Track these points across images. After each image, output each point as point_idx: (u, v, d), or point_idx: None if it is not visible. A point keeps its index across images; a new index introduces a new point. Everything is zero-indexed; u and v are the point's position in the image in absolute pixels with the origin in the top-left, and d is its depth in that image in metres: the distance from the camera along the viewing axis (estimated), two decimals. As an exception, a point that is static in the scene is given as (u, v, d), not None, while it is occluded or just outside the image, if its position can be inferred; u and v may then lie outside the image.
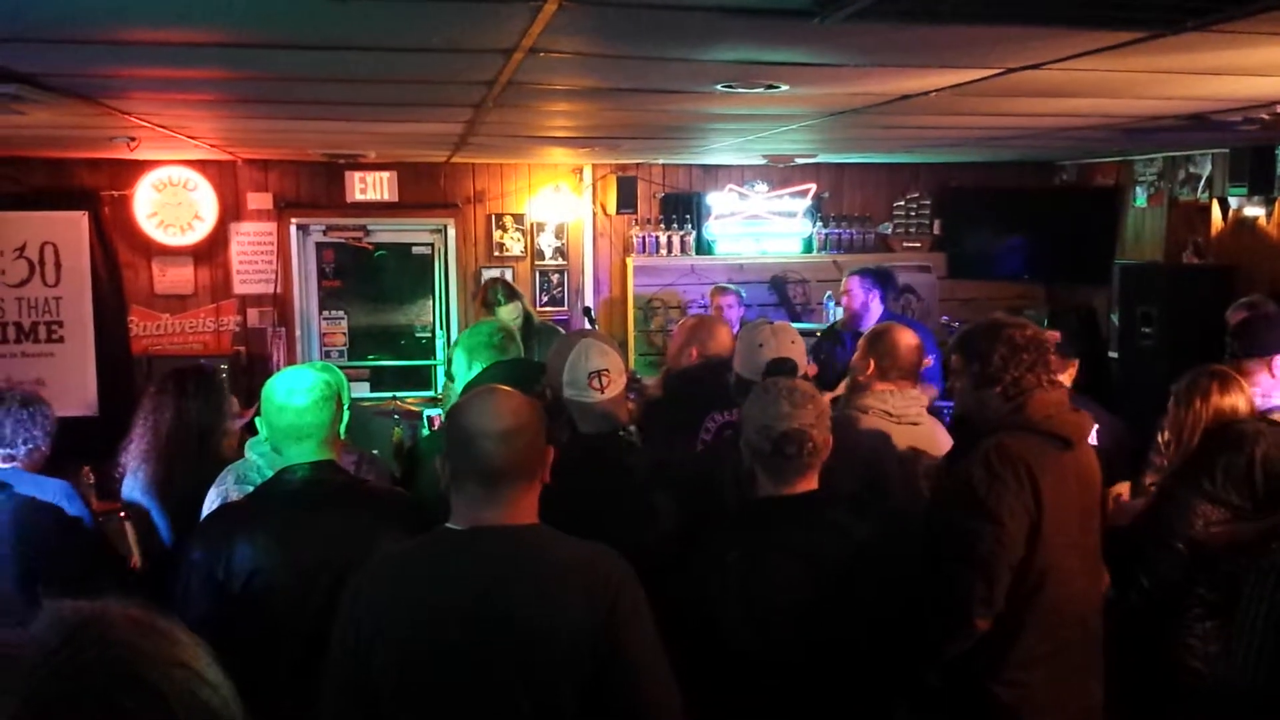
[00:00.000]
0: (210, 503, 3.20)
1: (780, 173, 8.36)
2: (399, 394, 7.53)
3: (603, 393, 2.99)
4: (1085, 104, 4.45)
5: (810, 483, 2.68)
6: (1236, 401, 3.49)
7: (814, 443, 2.63)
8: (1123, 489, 4.06)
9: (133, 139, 5.89)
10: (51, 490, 3.47)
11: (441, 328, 8.39)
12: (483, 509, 2.16)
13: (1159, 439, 3.91)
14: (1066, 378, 4.02)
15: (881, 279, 6.08)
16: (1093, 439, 3.82)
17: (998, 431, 2.94)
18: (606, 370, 3.01)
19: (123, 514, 3.91)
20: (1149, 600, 3.40)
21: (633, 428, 3.19)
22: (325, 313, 8.31)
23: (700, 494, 3.07)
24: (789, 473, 2.65)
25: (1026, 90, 3.94)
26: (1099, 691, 3.09)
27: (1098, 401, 4.09)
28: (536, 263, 8.36)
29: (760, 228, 8.43)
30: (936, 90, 3.94)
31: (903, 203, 8.65)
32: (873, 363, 3.70)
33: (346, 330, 8.35)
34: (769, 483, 2.68)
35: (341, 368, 3.54)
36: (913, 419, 3.64)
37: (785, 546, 2.61)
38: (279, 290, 7.99)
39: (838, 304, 6.71)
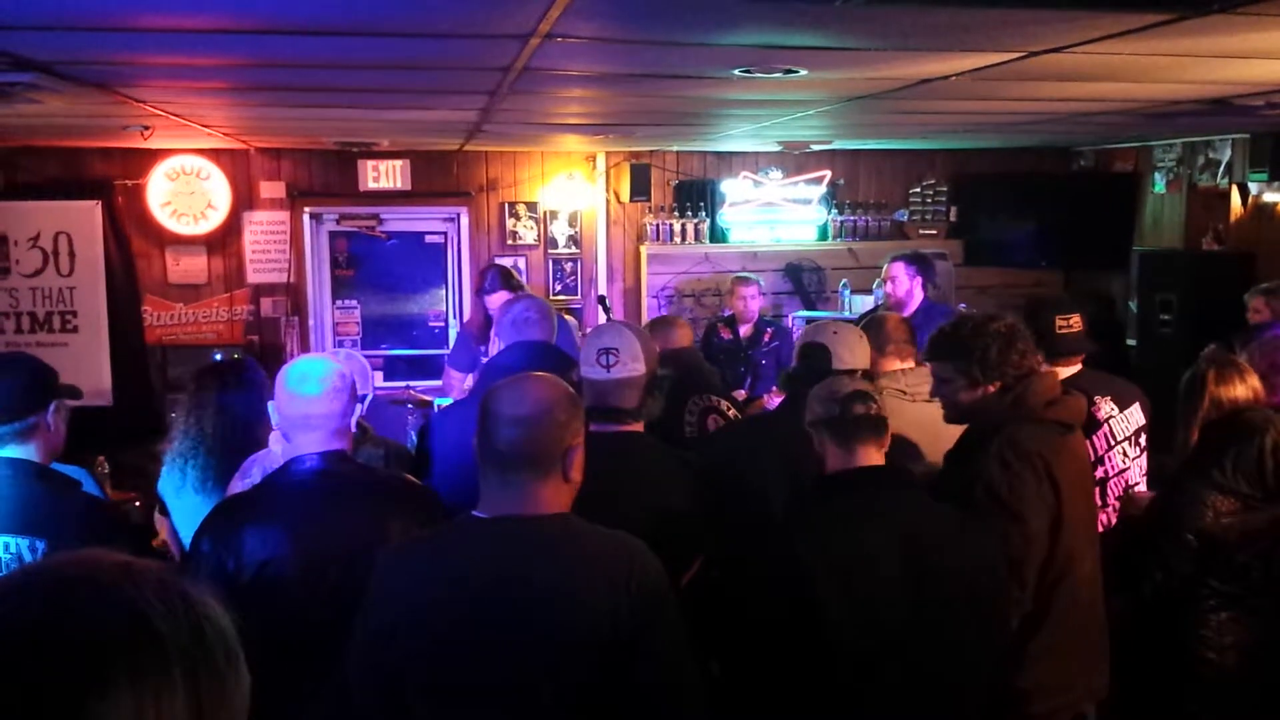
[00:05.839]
0: (234, 491, 3.17)
1: (795, 159, 8.32)
2: (411, 383, 7.51)
3: (608, 371, 2.97)
4: (1107, 88, 4.40)
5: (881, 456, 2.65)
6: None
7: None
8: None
9: (146, 128, 5.89)
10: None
11: (454, 317, 8.37)
12: (502, 497, 2.15)
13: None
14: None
15: (923, 265, 5.97)
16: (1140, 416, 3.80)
17: (1002, 427, 2.88)
18: (615, 349, 3.00)
19: (138, 503, 3.91)
20: (1162, 592, 3.37)
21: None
22: (338, 302, 8.32)
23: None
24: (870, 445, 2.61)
25: (1048, 74, 3.90)
26: (1106, 669, 3.07)
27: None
28: (550, 251, 8.33)
29: (775, 215, 8.39)
30: (957, 74, 3.90)
31: (919, 189, 8.61)
32: None
33: (359, 319, 8.35)
34: (844, 456, 2.60)
35: (353, 357, 3.51)
36: (926, 396, 3.59)
37: (878, 514, 2.52)
38: (292, 279, 7.98)
39: (884, 290, 6.35)
